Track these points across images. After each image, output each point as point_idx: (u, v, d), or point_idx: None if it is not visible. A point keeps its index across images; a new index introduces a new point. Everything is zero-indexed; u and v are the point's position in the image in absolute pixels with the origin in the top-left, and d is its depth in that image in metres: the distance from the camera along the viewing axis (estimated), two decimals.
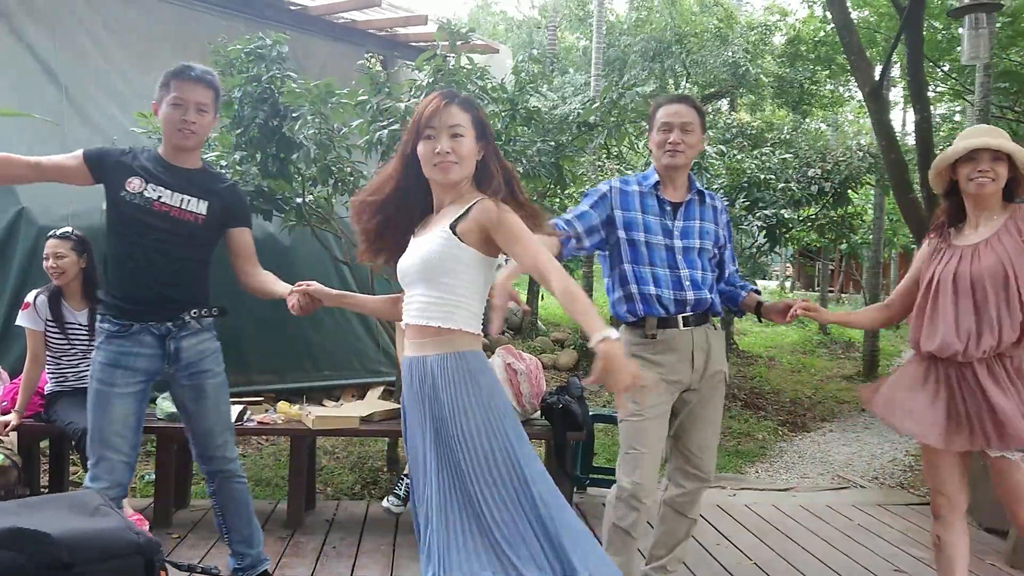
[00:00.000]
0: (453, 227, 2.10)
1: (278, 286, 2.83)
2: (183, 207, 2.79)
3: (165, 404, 3.93)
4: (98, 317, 2.84)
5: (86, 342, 3.75)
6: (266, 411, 4.14)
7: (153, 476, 4.19)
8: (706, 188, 3.03)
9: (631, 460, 2.81)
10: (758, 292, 3.16)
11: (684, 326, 2.84)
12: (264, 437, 5.44)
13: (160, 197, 2.76)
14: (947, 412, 2.70)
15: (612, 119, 4.94)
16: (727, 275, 3.09)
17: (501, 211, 2.09)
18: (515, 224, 2.07)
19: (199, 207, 2.81)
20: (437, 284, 2.11)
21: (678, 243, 2.86)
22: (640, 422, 2.80)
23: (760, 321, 3.25)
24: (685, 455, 2.95)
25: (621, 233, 2.85)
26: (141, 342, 2.77)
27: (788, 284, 25.44)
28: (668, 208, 2.89)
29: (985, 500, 4.39)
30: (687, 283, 2.83)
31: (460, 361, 2.09)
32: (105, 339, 2.78)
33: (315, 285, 2.62)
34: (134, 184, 2.74)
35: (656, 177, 2.92)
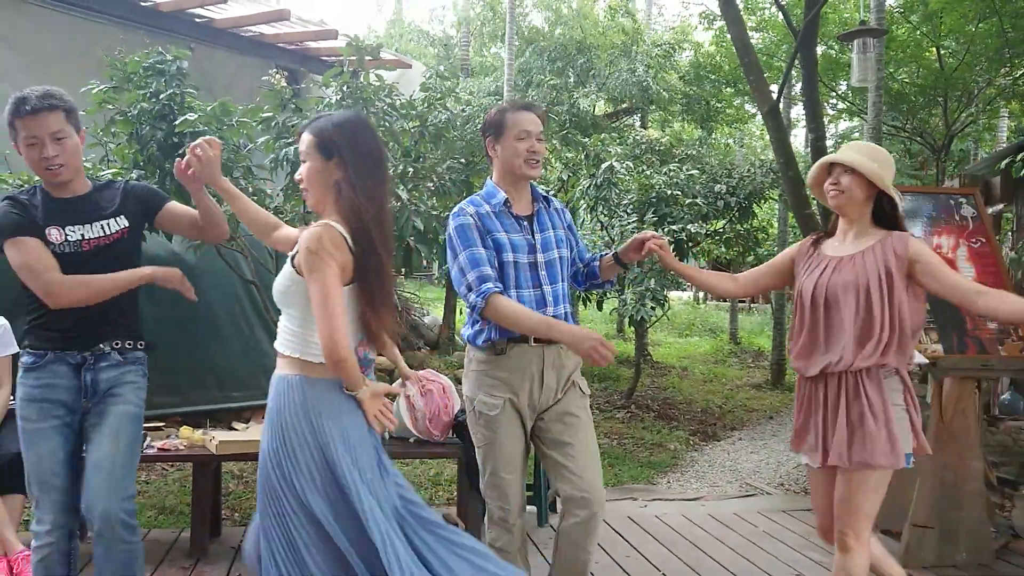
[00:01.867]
0: (293, 257, 2.20)
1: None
2: (107, 232, 2.64)
3: None
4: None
5: None
6: (167, 436, 4.01)
7: None
8: (553, 197, 2.97)
9: (493, 489, 2.74)
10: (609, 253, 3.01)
11: (535, 342, 2.69)
12: (169, 464, 5.25)
13: (84, 235, 2.60)
14: (805, 426, 2.79)
15: None
16: (585, 258, 3.02)
17: (308, 241, 2.13)
18: (306, 260, 2.12)
19: (120, 223, 2.67)
20: (286, 314, 2.26)
21: (541, 258, 2.76)
22: (494, 451, 2.72)
23: (625, 270, 3.10)
24: (570, 480, 2.68)
25: (501, 256, 2.72)
26: (56, 372, 2.58)
27: (701, 295, 26.07)
28: (524, 223, 2.78)
29: (882, 503, 4.58)
30: (550, 299, 2.74)
31: (290, 388, 2.19)
32: (23, 373, 2.61)
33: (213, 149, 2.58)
34: (54, 235, 2.56)
35: (503, 194, 2.77)
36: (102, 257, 2.61)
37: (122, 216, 2.69)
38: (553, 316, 2.71)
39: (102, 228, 2.64)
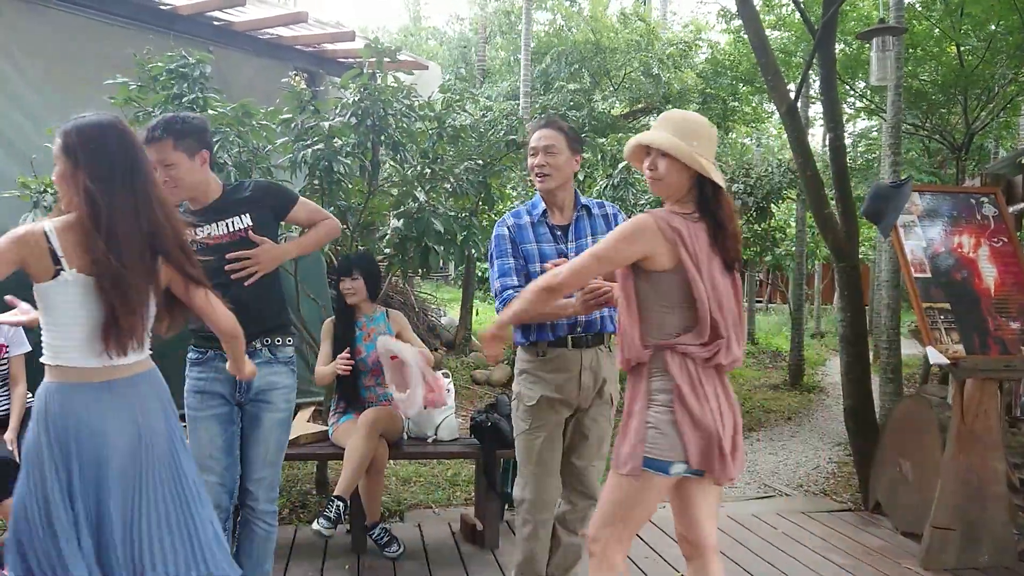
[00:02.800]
0: None
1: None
2: (231, 230, 2.79)
3: None
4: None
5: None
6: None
7: None
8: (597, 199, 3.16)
9: (523, 476, 2.94)
10: None
11: (573, 347, 2.91)
12: None
13: (210, 233, 2.78)
14: None
15: None
16: None
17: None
18: None
19: (244, 221, 2.81)
20: None
21: None
22: (534, 436, 2.92)
23: None
24: (574, 473, 3.02)
25: (529, 265, 2.94)
26: (216, 368, 2.81)
27: None
28: (559, 232, 2.98)
29: (902, 505, 4.56)
30: None
31: (39, 394, 2.19)
32: (189, 367, 2.88)
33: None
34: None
35: (542, 205, 3.00)
36: (226, 251, 2.76)
37: (246, 215, 2.82)
38: (584, 321, 2.89)
39: (227, 226, 2.80)
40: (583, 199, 3.06)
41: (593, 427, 2.99)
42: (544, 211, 2.99)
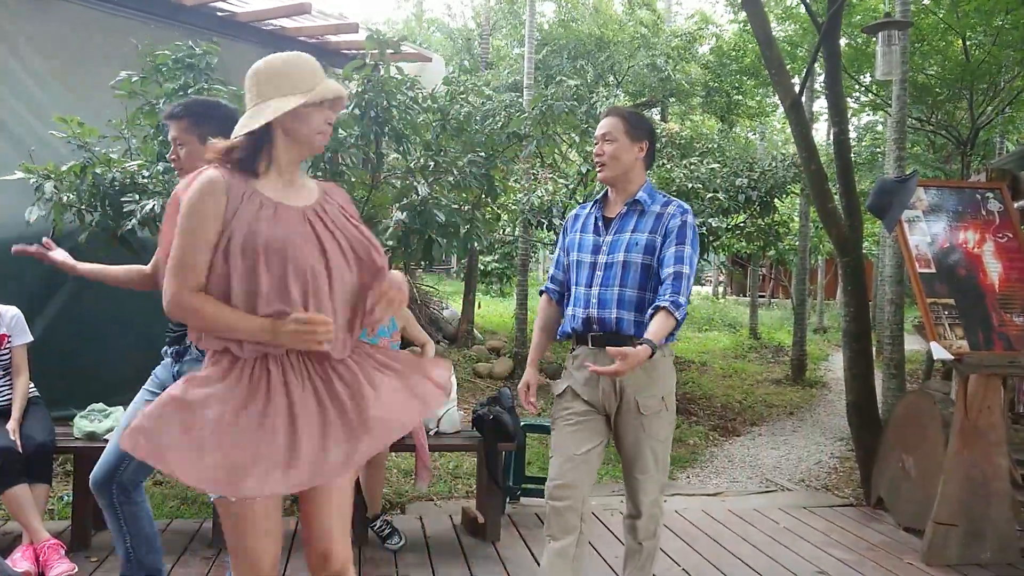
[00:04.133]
0: None
1: None
2: None
3: (82, 423, 3.80)
4: None
5: None
6: None
7: (71, 498, 4.04)
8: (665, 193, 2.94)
9: (551, 461, 2.87)
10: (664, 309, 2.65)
11: (592, 345, 2.80)
12: None
13: None
14: None
15: (542, 130, 4.98)
16: (662, 274, 2.73)
17: None
18: None
19: None
20: None
21: (601, 259, 2.81)
22: (556, 426, 2.87)
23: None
24: (626, 484, 2.89)
25: (569, 255, 2.94)
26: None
27: (720, 290, 25.97)
28: (601, 224, 2.88)
29: (904, 500, 4.55)
30: (594, 301, 2.78)
31: None
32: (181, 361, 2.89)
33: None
34: None
35: (603, 195, 2.96)
36: None
37: None
38: (597, 318, 2.77)
39: None
40: (643, 193, 2.85)
41: (624, 437, 2.80)
42: (599, 200, 2.94)
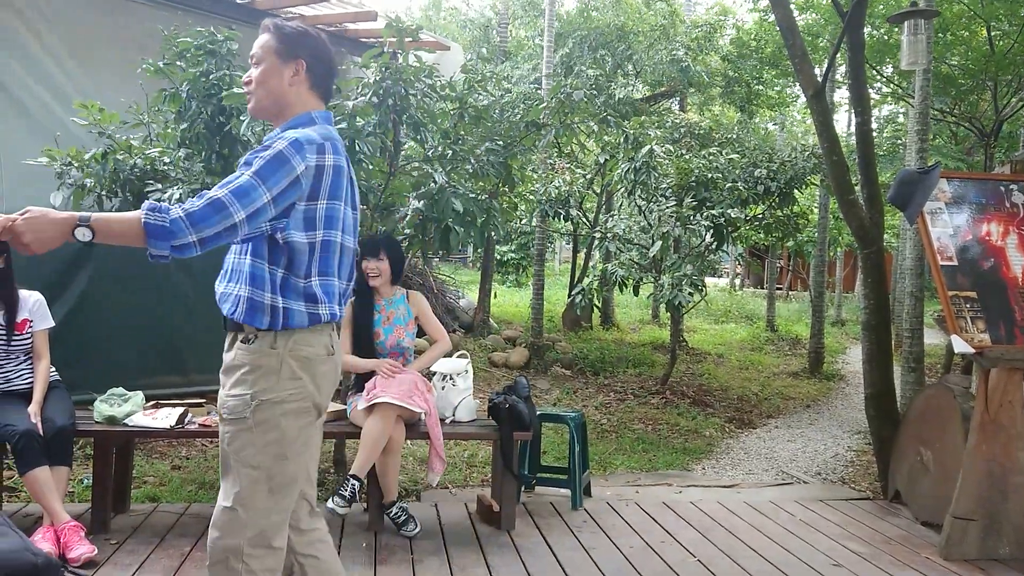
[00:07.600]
0: None
1: None
2: None
3: (102, 407, 3.83)
4: None
5: (5, 343, 3.68)
6: (208, 413, 4.06)
7: (91, 480, 4.09)
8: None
9: None
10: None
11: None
12: (209, 439, 5.33)
13: None
14: None
15: (560, 119, 4.96)
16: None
17: None
18: None
19: None
20: None
21: None
22: None
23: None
24: None
25: None
26: None
27: (738, 282, 25.83)
28: None
29: (922, 494, 4.52)
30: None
31: None
32: None
33: None
34: None
35: None
36: None
37: None
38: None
39: None
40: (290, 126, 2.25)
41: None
42: None
